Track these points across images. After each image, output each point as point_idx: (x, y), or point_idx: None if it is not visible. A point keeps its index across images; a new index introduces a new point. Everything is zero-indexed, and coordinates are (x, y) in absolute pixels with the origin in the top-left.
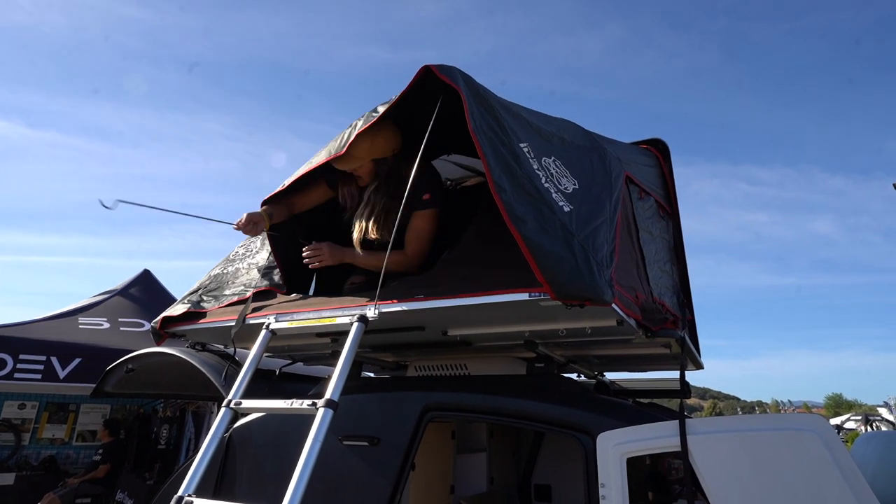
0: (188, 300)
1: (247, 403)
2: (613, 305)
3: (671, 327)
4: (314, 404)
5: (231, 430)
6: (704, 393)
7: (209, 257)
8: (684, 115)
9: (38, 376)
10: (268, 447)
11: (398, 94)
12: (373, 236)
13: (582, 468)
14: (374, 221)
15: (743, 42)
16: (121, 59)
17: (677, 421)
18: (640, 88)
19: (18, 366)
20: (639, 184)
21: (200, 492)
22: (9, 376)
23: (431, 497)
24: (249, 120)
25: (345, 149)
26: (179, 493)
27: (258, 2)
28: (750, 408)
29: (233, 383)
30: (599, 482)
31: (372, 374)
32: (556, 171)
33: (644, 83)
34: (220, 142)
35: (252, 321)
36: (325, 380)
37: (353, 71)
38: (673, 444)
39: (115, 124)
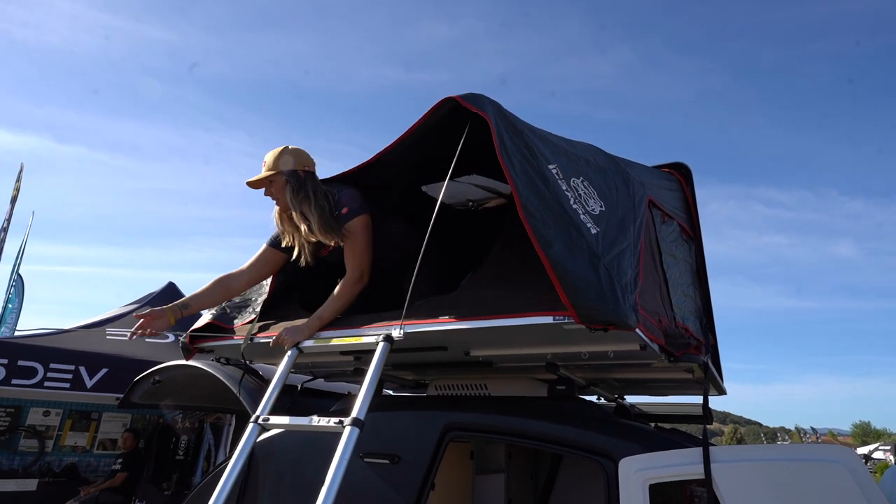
0: (212, 313)
1: (274, 420)
2: (637, 330)
3: (694, 352)
4: (341, 422)
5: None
6: (725, 417)
7: (226, 269)
8: (697, 137)
9: (67, 385)
10: (290, 463)
11: (416, 123)
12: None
13: (603, 493)
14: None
15: (754, 66)
16: (146, 78)
17: (701, 448)
18: (652, 110)
19: (48, 374)
20: (661, 208)
21: None
22: (39, 384)
23: None
24: (268, 137)
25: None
26: None
27: (277, 25)
28: (772, 434)
29: (255, 397)
30: None
31: (391, 392)
32: (585, 192)
33: (655, 105)
34: (239, 158)
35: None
36: (347, 397)
37: (367, 91)
38: (696, 472)
39: (139, 140)
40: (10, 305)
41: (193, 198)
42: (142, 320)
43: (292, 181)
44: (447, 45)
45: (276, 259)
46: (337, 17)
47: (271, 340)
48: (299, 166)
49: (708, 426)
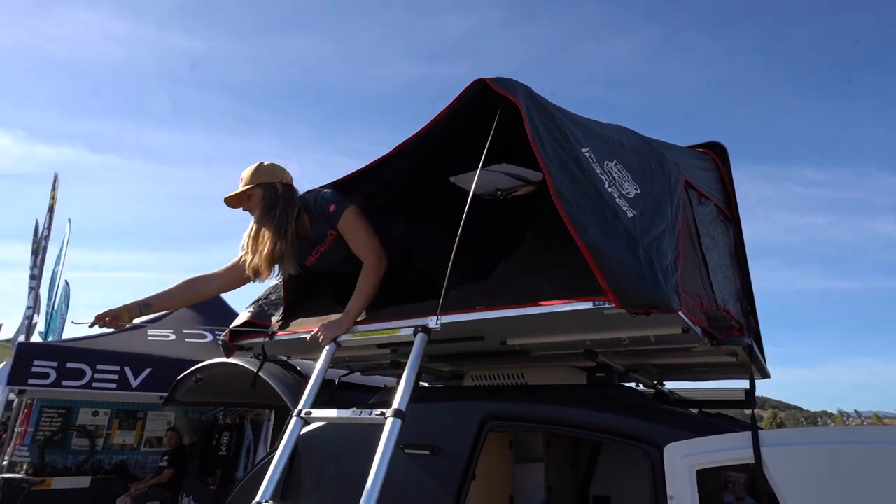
0: (250, 310)
1: (317, 413)
2: (680, 313)
3: (738, 335)
4: (382, 414)
5: None
6: (763, 402)
7: None
8: (725, 119)
9: (114, 385)
10: (331, 456)
11: (448, 107)
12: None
13: (648, 480)
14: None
15: (785, 41)
16: (173, 86)
17: (749, 432)
18: (676, 93)
19: (96, 375)
20: (697, 188)
21: (274, 498)
22: (87, 385)
23: None
24: (294, 140)
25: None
26: (257, 498)
27: (297, 27)
28: (813, 418)
29: (294, 391)
30: (668, 494)
31: (426, 384)
32: (619, 175)
33: (680, 87)
34: (268, 160)
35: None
36: (384, 390)
37: (388, 88)
38: (746, 457)
39: (169, 147)
40: (55, 312)
41: (222, 201)
42: (101, 318)
43: (266, 196)
44: (465, 37)
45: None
46: (355, 15)
47: (308, 335)
48: (276, 179)
49: (744, 411)
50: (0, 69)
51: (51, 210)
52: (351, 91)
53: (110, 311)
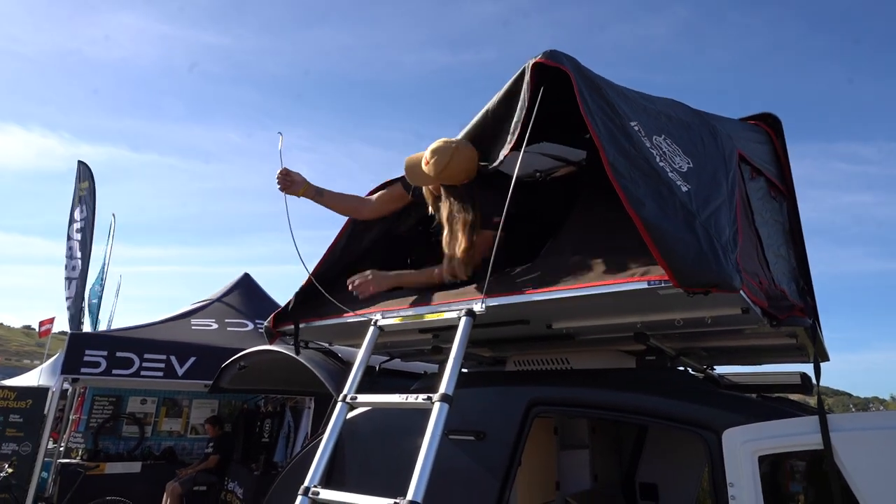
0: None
1: (362, 398)
2: (741, 292)
3: (799, 315)
4: (429, 398)
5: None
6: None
7: (291, 262)
8: (765, 95)
9: (161, 374)
10: (376, 442)
11: (525, 111)
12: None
13: (706, 467)
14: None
15: (830, 9)
16: (205, 84)
17: (816, 417)
18: (713, 70)
19: (144, 364)
20: (751, 162)
21: (322, 483)
22: (136, 374)
23: (538, 493)
24: (322, 131)
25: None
26: (306, 483)
27: (323, 20)
28: (864, 404)
29: (336, 378)
30: (728, 482)
31: (465, 370)
32: (669, 150)
33: (717, 64)
34: (296, 153)
35: (357, 318)
36: (425, 376)
37: (414, 77)
38: (813, 443)
39: (204, 144)
40: (95, 300)
41: (258, 194)
42: (286, 173)
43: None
44: (492, 22)
45: (403, 198)
46: (379, 4)
47: (356, 280)
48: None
49: (789, 396)
50: (45, 72)
51: (83, 202)
52: (376, 80)
53: (295, 174)
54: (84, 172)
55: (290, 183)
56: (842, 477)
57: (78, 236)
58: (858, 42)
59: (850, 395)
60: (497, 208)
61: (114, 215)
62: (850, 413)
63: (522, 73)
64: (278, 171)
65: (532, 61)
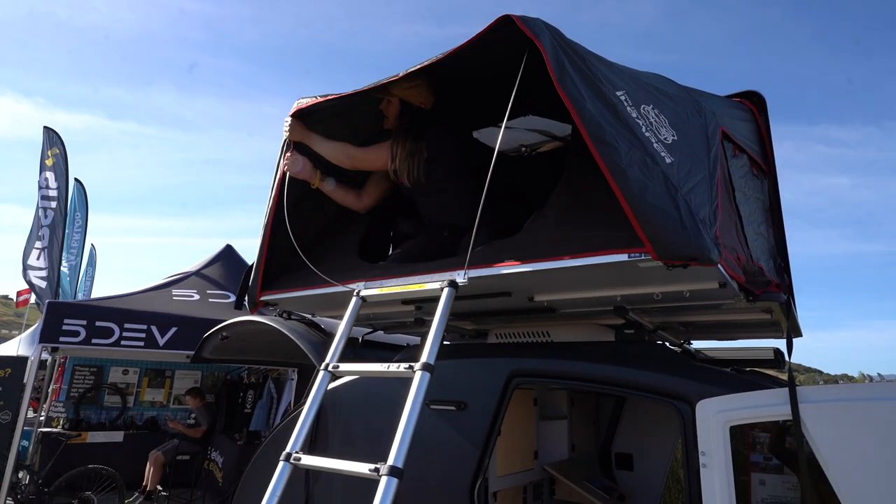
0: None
1: (344, 367)
2: (719, 266)
3: (775, 290)
4: (411, 367)
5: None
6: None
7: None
8: (749, 76)
9: (141, 343)
10: (357, 411)
11: (466, 42)
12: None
13: (678, 436)
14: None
15: None
16: (185, 51)
17: (786, 388)
18: (699, 50)
19: (124, 334)
20: (734, 139)
21: (303, 450)
22: (116, 343)
23: (517, 462)
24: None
25: (400, 74)
26: (288, 450)
27: None
28: (834, 381)
29: (319, 349)
30: (700, 450)
31: (447, 343)
32: (655, 121)
33: (702, 44)
34: (280, 125)
35: (341, 289)
36: (408, 347)
37: (400, 50)
38: (782, 413)
39: (184, 113)
40: (76, 272)
41: (240, 166)
42: (289, 154)
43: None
44: None
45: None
46: None
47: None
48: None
49: (763, 371)
50: (17, 35)
51: (55, 170)
52: (362, 51)
53: (303, 159)
54: (53, 139)
55: (297, 161)
56: (807, 444)
57: (52, 204)
58: (840, 25)
59: (820, 373)
60: (442, 150)
61: (76, 180)
62: (818, 385)
63: (499, 32)
64: (286, 155)
65: (511, 18)
